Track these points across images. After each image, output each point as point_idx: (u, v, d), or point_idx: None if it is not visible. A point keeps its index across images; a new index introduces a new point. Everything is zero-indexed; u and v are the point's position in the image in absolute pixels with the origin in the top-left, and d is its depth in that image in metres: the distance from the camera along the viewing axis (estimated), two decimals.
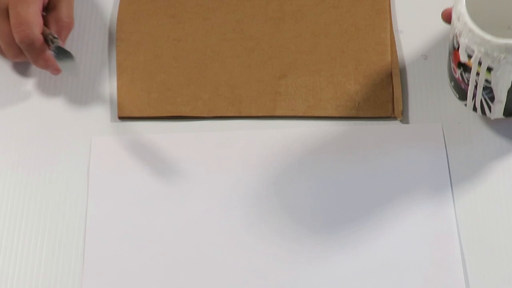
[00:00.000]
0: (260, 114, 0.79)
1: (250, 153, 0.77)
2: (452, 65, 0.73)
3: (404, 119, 0.78)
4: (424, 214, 0.73)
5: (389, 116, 0.78)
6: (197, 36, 0.83)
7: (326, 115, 0.78)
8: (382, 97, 0.78)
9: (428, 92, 0.79)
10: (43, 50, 0.76)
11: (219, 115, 0.79)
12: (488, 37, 0.68)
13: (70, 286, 0.71)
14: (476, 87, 0.72)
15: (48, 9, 0.79)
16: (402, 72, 0.80)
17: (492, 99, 0.72)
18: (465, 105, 0.75)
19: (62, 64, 0.77)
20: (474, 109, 0.75)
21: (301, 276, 0.71)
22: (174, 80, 0.80)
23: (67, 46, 0.80)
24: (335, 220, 0.73)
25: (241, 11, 0.84)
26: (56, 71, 0.78)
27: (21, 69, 0.82)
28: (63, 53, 0.76)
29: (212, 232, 0.73)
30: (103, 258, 0.72)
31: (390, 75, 0.79)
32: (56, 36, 0.76)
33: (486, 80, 0.70)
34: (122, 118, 0.79)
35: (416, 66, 0.81)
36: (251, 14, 0.84)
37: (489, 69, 0.69)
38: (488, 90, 0.71)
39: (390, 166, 0.76)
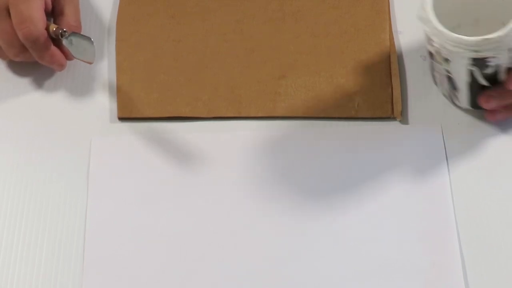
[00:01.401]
0: (259, 115, 0.79)
1: (249, 154, 0.77)
2: (428, 52, 0.75)
3: (404, 119, 0.78)
4: (424, 214, 0.73)
5: (388, 117, 0.78)
6: (197, 36, 0.83)
7: (325, 115, 0.79)
8: (381, 97, 0.79)
9: (427, 93, 0.79)
10: (48, 46, 0.76)
11: (219, 115, 0.79)
12: (441, 29, 0.69)
13: (70, 286, 0.71)
14: (440, 74, 0.73)
15: (55, 15, 0.80)
16: (402, 72, 0.80)
17: (456, 89, 0.73)
18: (442, 93, 0.77)
19: (78, 53, 0.78)
20: (445, 96, 0.76)
21: (301, 276, 0.71)
22: (174, 81, 0.80)
23: None
24: (334, 220, 0.73)
25: (241, 11, 0.84)
26: (61, 66, 0.78)
27: (21, 69, 0.82)
28: (79, 41, 0.77)
29: (212, 232, 0.73)
30: (103, 258, 0.72)
31: (389, 76, 0.79)
32: (64, 28, 0.77)
33: (447, 71, 0.72)
34: (122, 118, 0.79)
35: (416, 66, 0.81)
36: (251, 14, 0.84)
37: (447, 60, 0.70)
38: (452, 80, 0.73)
39: (390, 166, 0.76)
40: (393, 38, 0.82)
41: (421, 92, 0.79)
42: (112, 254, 0.72)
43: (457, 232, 0.72)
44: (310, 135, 0.78)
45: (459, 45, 0.69)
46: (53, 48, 0.77)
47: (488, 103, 0.73)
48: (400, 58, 0.81)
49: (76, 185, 0.76)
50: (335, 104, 0.79)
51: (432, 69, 0.75)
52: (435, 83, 0.77)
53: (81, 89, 0.81)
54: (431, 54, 0.73)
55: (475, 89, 0.73)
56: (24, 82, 0.81)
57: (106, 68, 0.82)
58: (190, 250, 0.72)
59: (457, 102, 0.76)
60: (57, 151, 0.77)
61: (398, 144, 0.77)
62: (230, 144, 0.77)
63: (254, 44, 0.82)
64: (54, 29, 0.77)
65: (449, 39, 0.69)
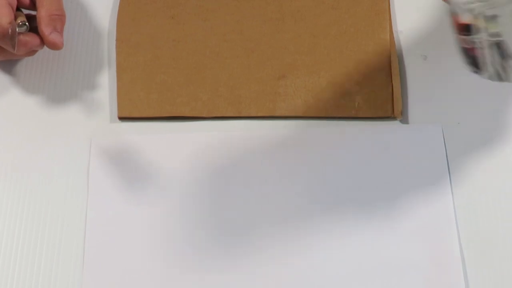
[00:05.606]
0: (259, 115, 0.79)
1: (249, 153, 0.77)
2: (458, 36, 0.65)
3: (404, 119, 0.78)
4: (424, 213, 0.73)
5: (388, 116, 0.78)
6: (196, 36, 0.83)
7: (325, 115, 0.79)
8: (381, 97, 0.79)
9: (428, 92, 0.79)
10: (14, 38, 0.75)
11: (218, 115, 0.79)
12: None
13: (70, 286, 0.71)
14: (486, 46, 0.64)
15: (36, 7, 0.78)
16: (402, 72, 0.80)
17: (509, 56, 0.64)
18: (486, 76, 0.66)
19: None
20: (493, 77, 0.65)
21: (300, 276, 0.71)
22: (173, 81, 0.80)
23: (66, 44, 0.80)
24: (334, 220, 0.73)
25: (241, 12, 0.84)
26: (39, 47, 0.77)
27: (21, 69, 0.82)
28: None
29: (212, 232, 0.73)
30: (103, 258, 0.72)
31: (389, 75, 0.80)
32: (23, 21, 0.76)
33: (495, 34, 0.62)
34: (122, 118, 0.79)
35: (416, 66, 0.81)
36: (250, 15, 0.84)
37: (493, 18, 0.61)
38: (502, 47, 0.63)
39: (390, 166, 0.76)
40: (393, 38, 0.82)
41: (421, 92, 0.79)
42: (112, 254, 0.72)
43: (457, 231, 0.72)
44: (310, 135, 0.78)
45: None
46: (22, 37, 0.76)
47: None
48: (400, 58, 0.81)
49: (76, 185, 0.76)
50: (335, 104, 0.79)
51: (468, 52, 0.65)
52: (476, 67, 0.65)
53: (81, 89, 0.81)
54: (466, 28, 0.63)
55: None
56: (24, 82, 0.81)
57: (106, 68, 0.82)
58: (190, 250, 0.72)
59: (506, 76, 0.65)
60: (57, 151, 0.77)
61: (398, 144, 0.77)
62: (230, 144, 0.77)
63: (254, 44, 0.82)
64: (20, 22, 0.76)
65: None
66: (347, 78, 0.80)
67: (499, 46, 0.63)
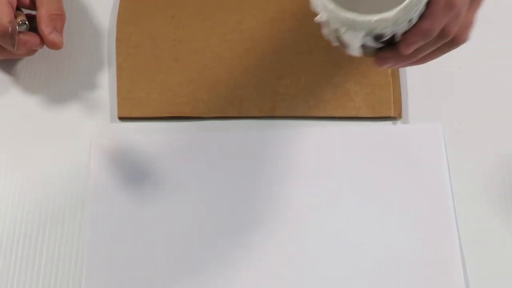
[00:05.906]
0: (260, 115, 0.79)
1: (250, 153, 0.77)
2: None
3: (404, 119, 0.78)
4: (424, 214, 0.73)
5: (388, 116, 0.78)
6: (197, 36, 0.83)
7: (325, 115, 0.79)
8: (381, 97, 0.79)
9: (428, 92, 0.79)
10: (14, 37, 0.75)
11: (219, 115, 0.79)
12: (332, 6, 0.61)
13: (70, 286, 0.71)
14: (328, 31, 0.66)
15: (36, 6, 0.78)
16: (402, 72, 0.80)
17: (347, 47, 0.66)
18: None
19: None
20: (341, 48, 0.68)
21: (299, 275, 0.71)
22: (174, 81, 0.80)
23: (66, 44, 0.80)
24: (334, 220, 0.73)
25: (241, 11, 0.84)
26: (39, 46, 0.77)
27: (21, 69, 0.82)
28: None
29: (213, 232, 0.73)
30: (103, 259, 0.72)
31: (389, 75, 0.79)
32: (23, 20, 0.76)
33: (338, 35, 0.64)
34: (122, 118, 0.79)
35: (416, 66, 0.80)
36: (251, 14, 0.84)
37: (337, 29, 0.63)
38: (344, 42, 0.65)
39: (390, 166, 0.76)
40: None
41: (422, 92, 0.79)
42: (112, 254, 0.72)
43: (457, 231, 0.72)
44: (310, 135, 0.77)
45: (353, 25, 0.61)
46: (21, 36, 0.76)
47: (382, 65, 0.67)
48: None
49: (76, 185, 0.75)
50: (335, 104, 0.79)
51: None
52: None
53: (81, 89, 0.81)
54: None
55: (369, 49, 0.65)
56: (24, 82, 0.81)
57: (106, 69, 0.82)
58: (191, 251, 0.72)
59: (347, 53, 0.67)
60: (57, 151, 0.77)
61: (398, 144, 0.77)
62: (230, 144, 0.77)
63: (254, 44, 0.82)
64: (20, 21, 0.76)
65: (340, 20, 0.61)
66: (347, 78, 0.80)
67: (341, 40, 0.65)
